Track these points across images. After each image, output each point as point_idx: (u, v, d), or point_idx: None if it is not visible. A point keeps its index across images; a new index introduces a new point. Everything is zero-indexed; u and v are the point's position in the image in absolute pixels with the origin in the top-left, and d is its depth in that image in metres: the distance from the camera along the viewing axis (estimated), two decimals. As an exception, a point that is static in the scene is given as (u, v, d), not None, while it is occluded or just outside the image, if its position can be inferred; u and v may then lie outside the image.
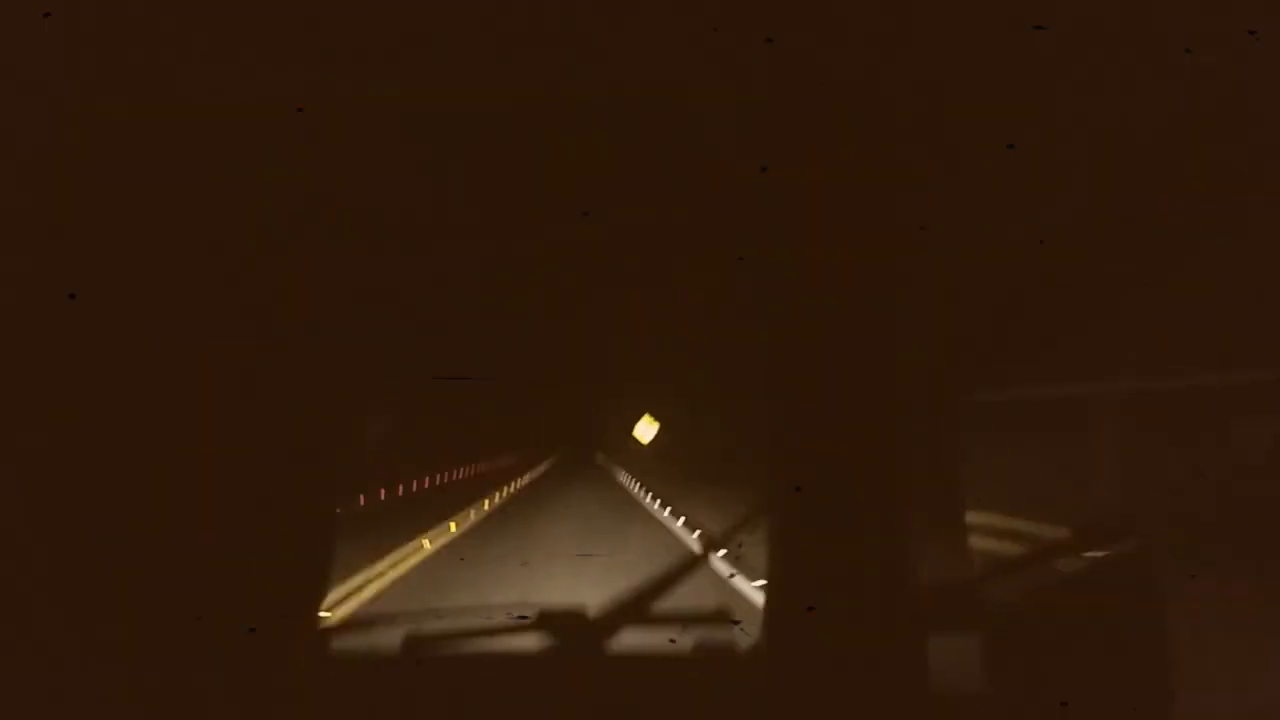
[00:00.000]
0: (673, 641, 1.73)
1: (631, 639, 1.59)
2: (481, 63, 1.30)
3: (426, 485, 22.45)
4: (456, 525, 14.81)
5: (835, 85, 1.34)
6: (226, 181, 1.35)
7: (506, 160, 1.56)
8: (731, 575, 7.51)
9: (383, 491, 18.07)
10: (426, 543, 11.79)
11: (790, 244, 1.45)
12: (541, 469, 36.66)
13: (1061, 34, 1.31)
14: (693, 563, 1.73)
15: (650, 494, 20.12)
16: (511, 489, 24.37)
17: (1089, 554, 1.70)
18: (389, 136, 1.43)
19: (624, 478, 29.65)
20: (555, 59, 1.29)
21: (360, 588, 8.55)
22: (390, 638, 1.59)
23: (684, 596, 1.67)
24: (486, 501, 19.77)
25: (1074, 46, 1.37)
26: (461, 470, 28.69)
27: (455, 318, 2.07)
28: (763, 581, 1.63)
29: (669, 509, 15.10)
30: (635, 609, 1.61)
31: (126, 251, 1.32)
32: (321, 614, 1.60)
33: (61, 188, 1.25)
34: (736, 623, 1.73)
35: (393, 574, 9.80)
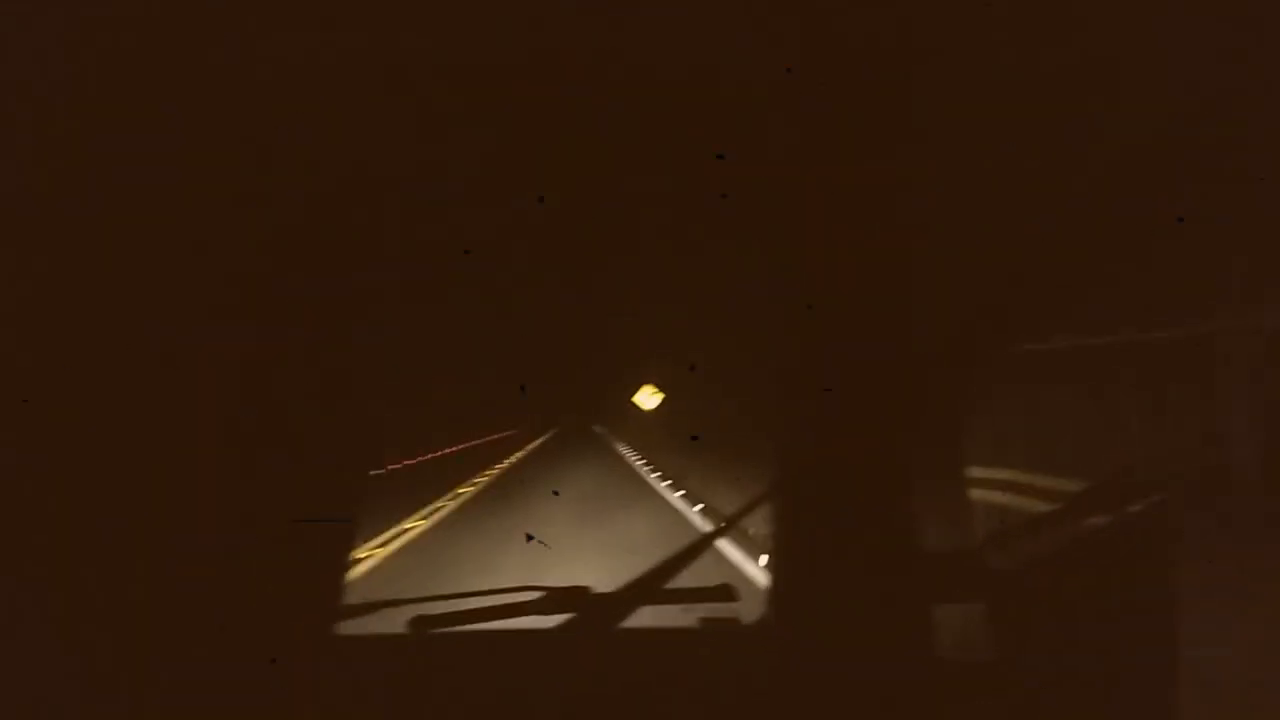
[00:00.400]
0: (702, 618, 1.82)
1: (636, 618, 1.69)
2: (475, 53, 1.37)
3: (416, 461, 22.56)
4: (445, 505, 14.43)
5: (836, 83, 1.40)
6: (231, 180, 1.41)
7: (507, 139, 1.63)
8: (739, 556, 7.58)
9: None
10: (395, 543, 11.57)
11: (788, 223, 1.53)
12: (537, 443, 36.74)
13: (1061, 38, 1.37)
14: (700, 546, 1.81)
15: (654, 470, 20.04)
16: (506, 464, 24.45)
17: (1105, 514, 1.76)
18: (394, 113, 1.50)
19: (625, 450, 29.62)
20: (553, 58, 1.35)
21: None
22: (395, 618, 1.69)
23: (689, 576, 1.76)
24: (477, 482, 19.78)
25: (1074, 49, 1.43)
26: (455, 446, 28.84)
27: (451, 295, 2.15)
28: (766, 559, 1.72)
29: (679, 491, 14.60)
30: (639, 588, 1.70)
31: (127, 251, 1.38)
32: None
33: (61, 183, 1.32)
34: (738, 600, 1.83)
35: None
